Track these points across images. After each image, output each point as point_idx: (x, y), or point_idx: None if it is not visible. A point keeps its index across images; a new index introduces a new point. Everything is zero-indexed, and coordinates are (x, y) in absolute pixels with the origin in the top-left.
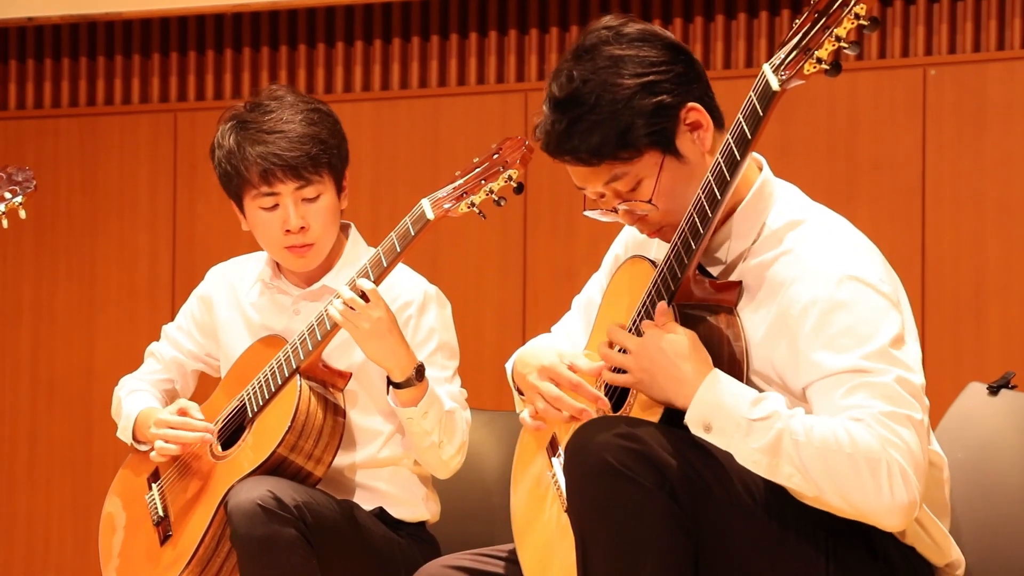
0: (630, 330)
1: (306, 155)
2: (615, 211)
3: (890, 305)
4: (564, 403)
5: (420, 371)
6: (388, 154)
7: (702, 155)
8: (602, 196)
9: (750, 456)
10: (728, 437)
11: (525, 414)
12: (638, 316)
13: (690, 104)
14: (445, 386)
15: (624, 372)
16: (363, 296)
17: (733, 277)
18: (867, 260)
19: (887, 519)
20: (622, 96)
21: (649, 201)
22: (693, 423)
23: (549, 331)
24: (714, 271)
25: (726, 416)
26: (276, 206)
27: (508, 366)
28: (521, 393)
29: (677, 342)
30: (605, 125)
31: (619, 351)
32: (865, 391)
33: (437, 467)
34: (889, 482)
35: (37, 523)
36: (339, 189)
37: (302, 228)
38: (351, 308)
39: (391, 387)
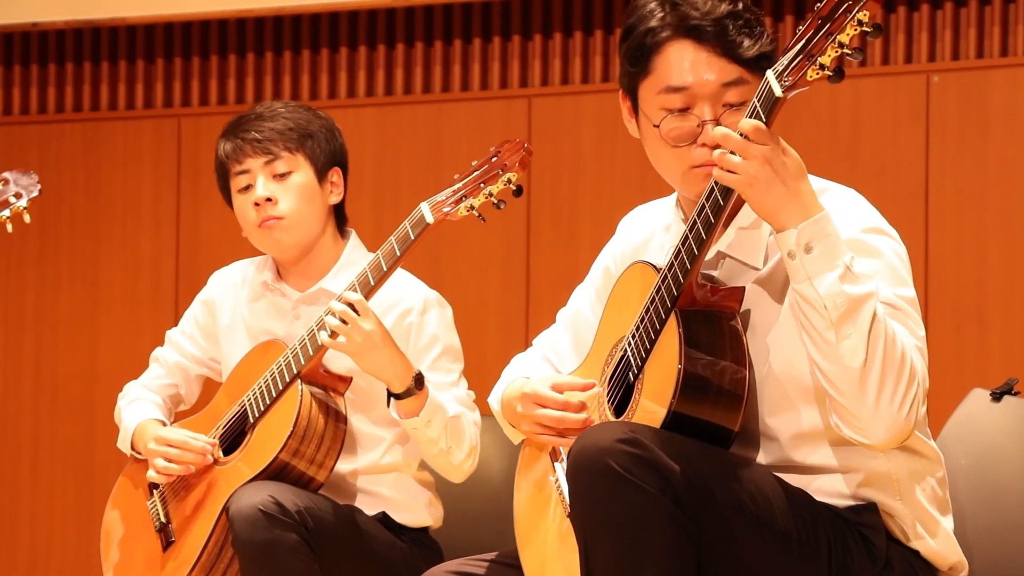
0: (631, 336)
1: (277, 132)
2: (700, 125)
3: (908, 266)
4: (555, 419)
5: (419, 380)
6: (391, 159)
7: None
8: (691, 106)
9: (835, 296)
10: (822, 265)
11: None
12: (640, 322)
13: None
14: (451, 390)
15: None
16: (353, 309)
17: (772, 250)
18: (886, 221)
19: (885, 431)
20: (762, 22)
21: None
22: (798, 240)
23: (531, 344)
24: (757, 253)
25: (832, 249)
26: (249, 187)
27: (493, 402)
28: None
29: (798, 163)
30: (764, 35)
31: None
32: (903, 325)
33: (449, 472)
34: (912, 402)
35: (40, 528)
36: (320, 176)
37: (268, 199)
38: (343, 322)
39: (391, 399)
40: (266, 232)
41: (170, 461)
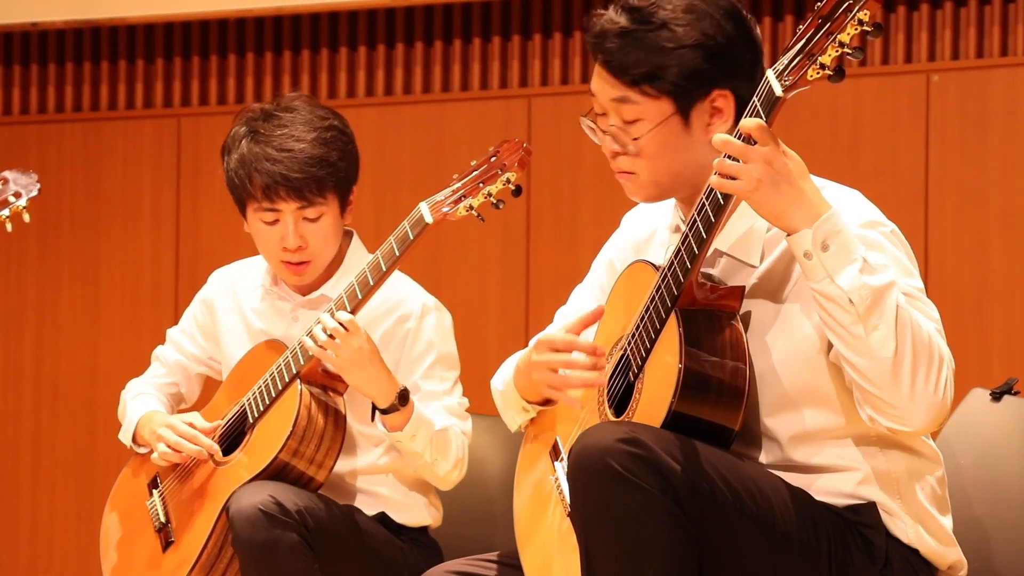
0: (631, 336)
1: (311, 177)
2: (605, 132)
3: (911, 255)
4: (561, 362)
5: (403, 396)
6: (391, 159)
7: (707, 140)
8: (604, 113)
9: (859, 289)
10: (840, 261)
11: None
12: (640, 321)
13: (726, 91)
14: (443, 399)
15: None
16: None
17: (769, 247)
18: (882, 215)
19: (925, 415)
20: (680, 40)
21: (636, 139)
22: (814, 240)
23: (529, 343)
24: (754, 250)
25: (846, 245)
26: (276, 221)
27: (496, 383)
28: (527, 403)
29: (800, 163)
30: (648, 52)
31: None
32: (919, 310)
33: (436, 482)
34: (947, 383)
35: (40, 527)
36: (343, 207)
37: (299, 247)
38: (332, 338)
39: (377, 413)
40: (291, 271)
41: (171, 448)
